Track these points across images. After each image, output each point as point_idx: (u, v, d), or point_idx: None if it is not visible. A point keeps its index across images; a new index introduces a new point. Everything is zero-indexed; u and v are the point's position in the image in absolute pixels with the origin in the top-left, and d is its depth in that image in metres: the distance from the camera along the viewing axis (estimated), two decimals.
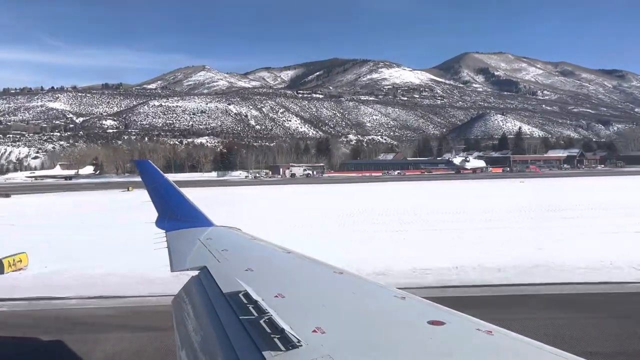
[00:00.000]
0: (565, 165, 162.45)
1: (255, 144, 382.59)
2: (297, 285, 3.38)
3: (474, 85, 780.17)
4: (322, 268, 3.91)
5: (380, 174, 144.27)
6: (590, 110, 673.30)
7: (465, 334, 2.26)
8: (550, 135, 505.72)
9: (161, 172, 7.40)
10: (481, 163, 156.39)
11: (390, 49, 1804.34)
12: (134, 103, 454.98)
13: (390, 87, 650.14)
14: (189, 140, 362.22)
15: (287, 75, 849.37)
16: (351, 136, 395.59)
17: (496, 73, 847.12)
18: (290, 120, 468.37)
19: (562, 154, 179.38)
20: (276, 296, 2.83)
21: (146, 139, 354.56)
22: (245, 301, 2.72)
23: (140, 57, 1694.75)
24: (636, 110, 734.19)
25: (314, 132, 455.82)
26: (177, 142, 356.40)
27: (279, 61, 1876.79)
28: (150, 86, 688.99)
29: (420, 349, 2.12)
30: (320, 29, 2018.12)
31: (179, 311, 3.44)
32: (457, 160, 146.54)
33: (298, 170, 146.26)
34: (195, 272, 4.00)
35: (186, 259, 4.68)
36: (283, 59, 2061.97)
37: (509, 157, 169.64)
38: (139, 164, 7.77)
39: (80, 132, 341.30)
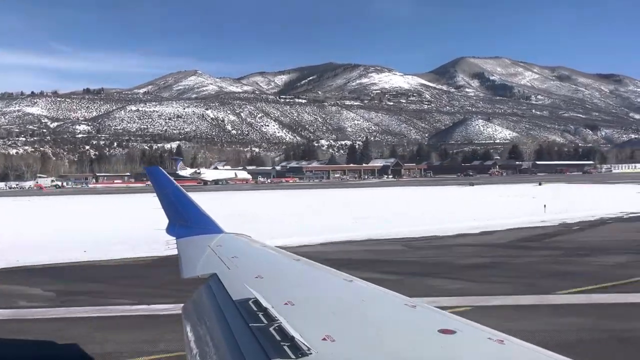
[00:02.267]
0: (344, 176, 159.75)
1: (228, 148, 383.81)
2: (306, 292, 3.40)
3: (467, 89, 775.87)
4: (331, 275, 3.94)
5: (144, 184, 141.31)
6: (581, 115, 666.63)
7: (476, 343, 2.25)
8: (530, 141, 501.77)
9: (171, 178, 7.31)
10: (230, 174, 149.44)
11: (387, 54, 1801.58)
12: (114, 108, 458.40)
13: (378, 91, 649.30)
14: (159, 145, 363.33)
15: (281, 79, 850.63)
16: (323, 141, 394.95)
17: (491, 78, 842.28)
18: (268, 125, 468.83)
19: (380, 163, 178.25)
20: (286, 303, 2.85)
21: (115, 144, 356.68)
22: (255, 308, 2.74)
23: (139, 60, 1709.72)
24: (631, 114, 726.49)
25: (292, 137, 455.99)
26: (146, 147, 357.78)
27: (277, 65, 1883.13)
28: (140, 90, 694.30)
29: (431, 357, 2.12)
30: (317, 33, 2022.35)
31: (189, 318, 3.48)
32: (184, 172, 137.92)
33: (45, 182, 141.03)
34: (205, 279, 4.03)
35: (196, 265, 4.71)
36: (281, 63, 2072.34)
37: (301, 168, 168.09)
38: (149, 171, 7.64)
39: (47, 137, 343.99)
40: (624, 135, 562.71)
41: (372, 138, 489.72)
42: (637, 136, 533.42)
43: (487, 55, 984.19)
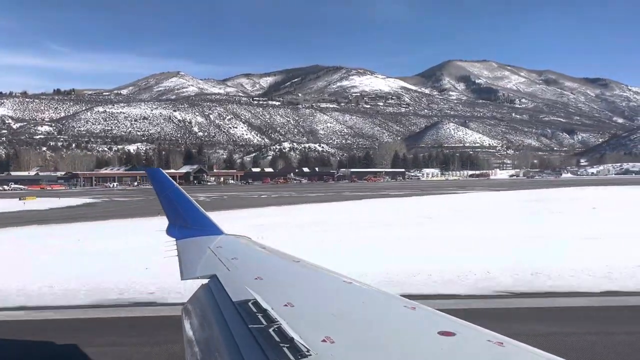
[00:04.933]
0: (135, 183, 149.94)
1: (193, 150, 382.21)
2: (306, 294, 3.42)
3: (451, 93, 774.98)
4: (331, 277, 3.97)
5: None
6: (561, 119, 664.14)
7: (476, 345, 2.24)
8: (501, 144, 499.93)
9: (172, 180, 7.31)
10: None
11: (378, 57, 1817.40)
12: (83, 109, 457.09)
13: (358, 94, 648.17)
14: (119, 146, 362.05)
15: (266, 81, 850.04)
16: (286, 144, 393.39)
17: (477, 81, 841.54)
18: (236, 127, 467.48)
19: (185, 170, 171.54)
20: (285, 305, 2.85)
21: (74, 145, 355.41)
22: (255, 310, 2.75)
23: (133, 62, 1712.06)
24: (614, 119, 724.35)
25: (260, 139, 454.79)
26: (105, 149, 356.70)
27: (265, 67, 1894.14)
28: (120, 92, 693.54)
29: (430, 359, 2.13)
30: (306, 35, 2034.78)
31: (188, 319, 3.46)
32: None
33: None
34: (205, 280, 4.05)
35: (196, 267, 4.71)
36: (270, 65, 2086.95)
37: (77, 175, 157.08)
38: (149, 172, 7.63)
39: (3, 138, 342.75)
40: (600, 139, 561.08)
41: (343, 141, 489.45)
42: (613, 140, 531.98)
43: (475, 58, 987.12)
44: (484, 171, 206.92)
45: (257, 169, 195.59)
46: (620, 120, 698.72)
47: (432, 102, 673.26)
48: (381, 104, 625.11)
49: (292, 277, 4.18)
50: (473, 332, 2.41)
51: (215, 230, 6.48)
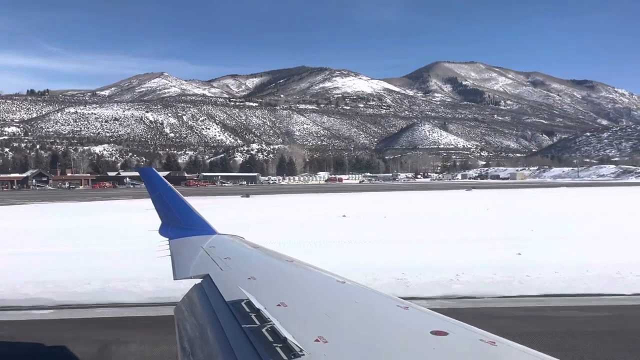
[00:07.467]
0: None
1: (161, 152, 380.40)
2: (299, 294, 3.38)
3: (436, 94, 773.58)
4: (324, 277, 3.95)
5: None
6: (543, 121, 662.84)
7: (468, 344, 2.24)
8: (476, 146, 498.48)
9: (164, 179, 7.25)
10: None
11: (369, 59, 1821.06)
12: (56, 109, 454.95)
13: (339, 96, 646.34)
14: (85, 147, 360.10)
15: (252, 82, 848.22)
16: (254, 145, 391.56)
17: (464, 82, 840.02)
18: (209, 128, 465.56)
19: (25, 174, 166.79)
20: (279, 305, 2.85)
21: (38, 146, 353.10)
22: (248, 310, 2.74)
23: (129, 62, 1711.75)
24: (598, 120, 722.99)
25: (232, 140, 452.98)
26: (71, 150, 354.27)
27: (254, 68, 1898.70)
28: (105, 92, 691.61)
29: (423, 359, 2.12)
30: (295, 37, 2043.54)
31: (181, 319, 3.49)
32: None
33: None
34: (198, 280, 4.01)
35: (189, 266, 4.67)
36: (259, 66, 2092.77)
37: None
38: (142, 172, 7.55)
39: None
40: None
41: (319, 142, 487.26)
42: (560, 143, 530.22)
43: (463, 60, 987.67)
44: (338, 176, 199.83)
45: (128, 174, 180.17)
46: (604, 122, 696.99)
47: (413, 104, 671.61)
48: (361, 105, 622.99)
49: (285, 276, 4.17)
50: (466, 332, 2.42)
51: (208, 229, 6.41)
